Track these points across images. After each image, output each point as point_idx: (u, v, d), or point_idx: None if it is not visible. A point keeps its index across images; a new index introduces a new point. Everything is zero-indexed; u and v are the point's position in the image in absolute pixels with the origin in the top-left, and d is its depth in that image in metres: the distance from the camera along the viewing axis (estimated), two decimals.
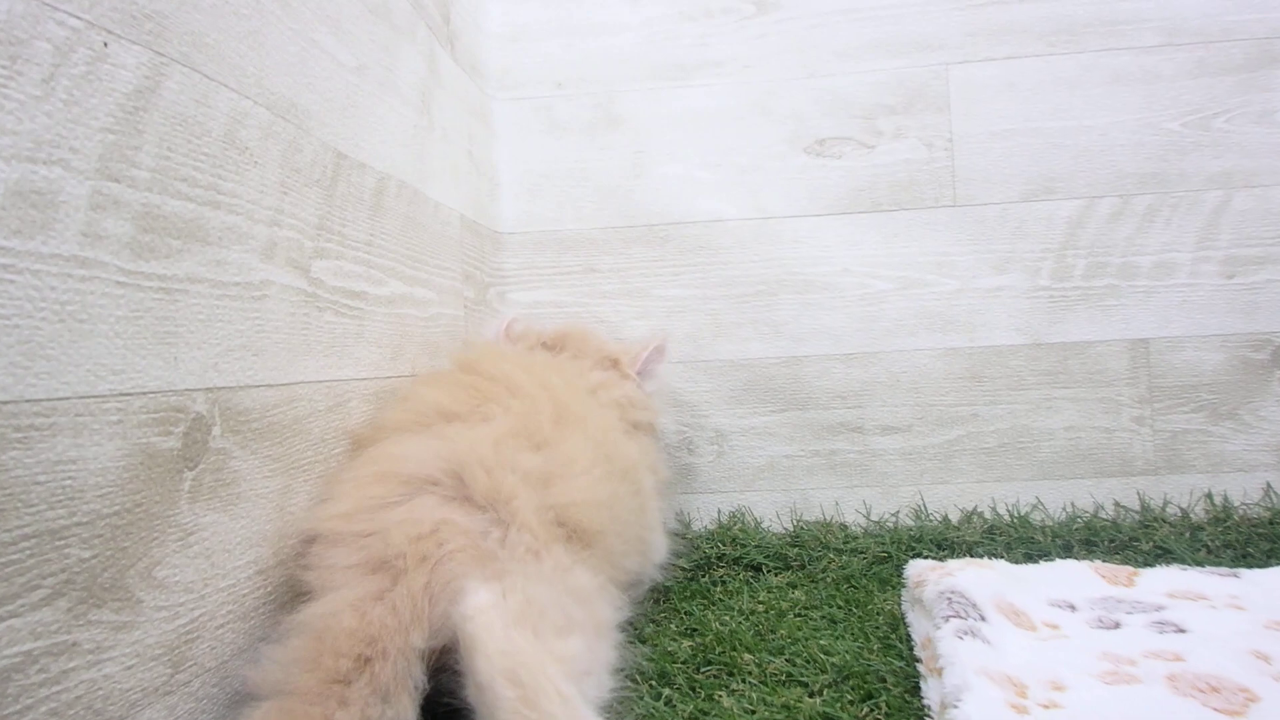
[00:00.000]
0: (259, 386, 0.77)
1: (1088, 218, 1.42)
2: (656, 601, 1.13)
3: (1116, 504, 1.41)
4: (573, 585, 0.79)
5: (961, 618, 0.87)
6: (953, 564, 1.06)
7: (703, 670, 0.91)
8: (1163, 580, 1.04)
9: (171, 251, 0.66)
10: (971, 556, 1.24)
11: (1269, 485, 1.39)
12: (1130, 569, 1.07)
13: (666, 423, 1.22)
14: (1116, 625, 0.91)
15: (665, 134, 1.50)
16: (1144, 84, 1.41)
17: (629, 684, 0.87)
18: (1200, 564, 1.16)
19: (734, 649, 0.94)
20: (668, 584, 1.19)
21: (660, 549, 1.11)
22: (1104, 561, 1.12)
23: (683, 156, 1.50)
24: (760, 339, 1.48)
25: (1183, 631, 0.88)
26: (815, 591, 1.14)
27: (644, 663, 0.91)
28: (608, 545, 0.90)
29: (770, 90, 1.48)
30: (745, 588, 1.17)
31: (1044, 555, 1.23)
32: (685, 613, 1.08)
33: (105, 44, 0.60)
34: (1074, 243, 1.43)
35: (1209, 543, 1.24)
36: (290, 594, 0.79)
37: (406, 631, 0.69)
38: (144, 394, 0.63)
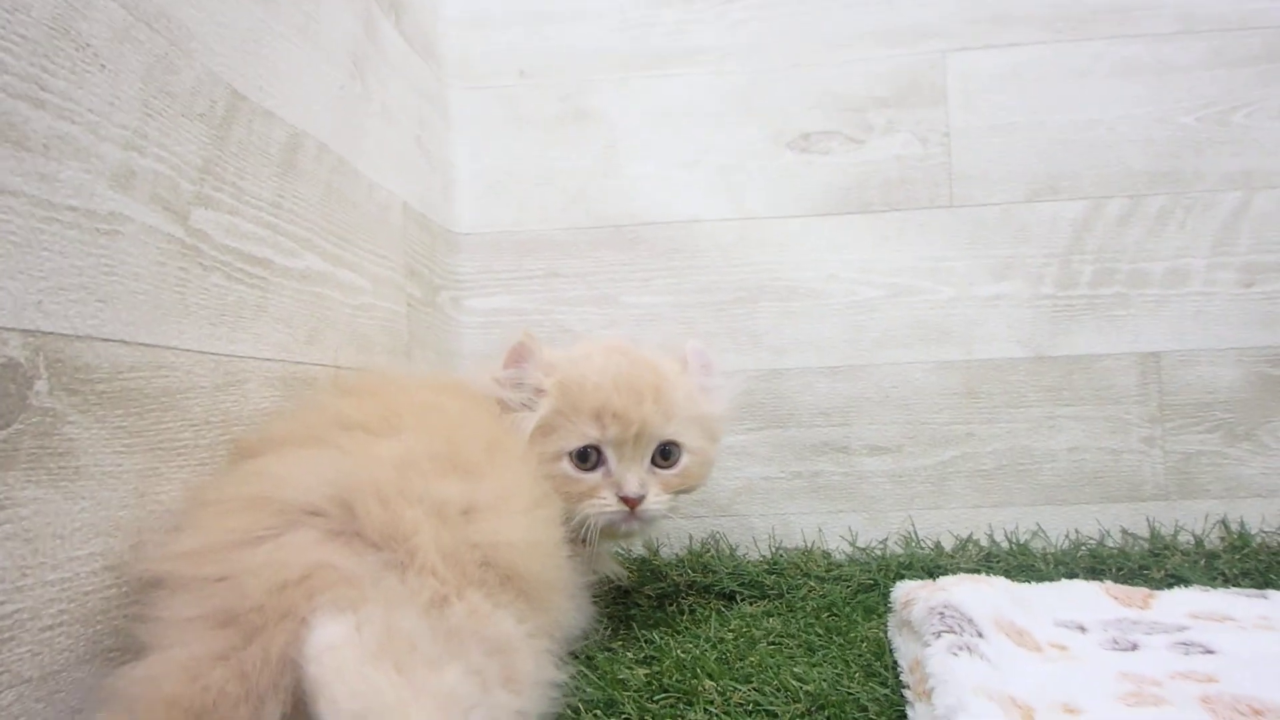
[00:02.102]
0: (107, 341, 0.64)
1: (1095, 220, 1.32)
2: (615, 630, 1.01)
3: (1124, 531, 1.30)
4: (490, 634, 0.64)
5: (955, 633, 0.75)
6: (947, 580, 0.94)
7: (656, 699, 0.78)
8: (1183, 602, 0.93)
9: None
10: None
11: None
12: (1146, 590, 0.97)
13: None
14: (1134, 647, 0.81)
15: (638, 128, 1.40)
16: (1156, 75, 1.32)
17: (569, 713, 0.75)
18: None
19: (694, 676, 0.81)
20: (630, 612, 1.07)
21: (586, 608, 0.96)
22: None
23: (657, 153, 1.40)
24: (738, 350, 1.37)
25: (1211, 653, 0.78)
26: (792, 620, 1.01)
27: (589, 690, 0.79)
28: (543, 596, 0.75)
29: (752, 82, 1.38)
30: (715, 615, 1.04)
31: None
32: (645, 640, 0.95)
33: None
34: (1080, 247, 1.32)
35: (1225, 571, 1.14)
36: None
37: (258, 705, 0.53)
38: None
